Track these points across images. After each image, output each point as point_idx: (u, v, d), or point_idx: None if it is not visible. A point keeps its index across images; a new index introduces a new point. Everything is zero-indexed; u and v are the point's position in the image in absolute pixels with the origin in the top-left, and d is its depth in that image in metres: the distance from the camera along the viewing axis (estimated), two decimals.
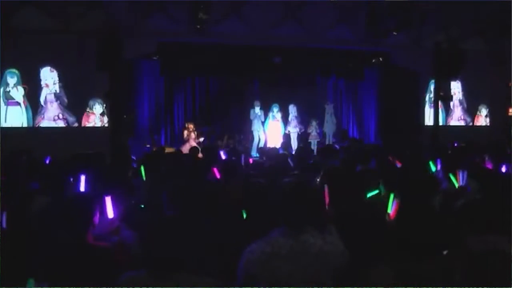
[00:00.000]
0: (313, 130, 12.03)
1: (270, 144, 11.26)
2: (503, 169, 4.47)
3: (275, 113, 11.73)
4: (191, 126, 11.19)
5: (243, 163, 5.47)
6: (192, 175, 4.13)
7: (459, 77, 11.35)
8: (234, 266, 2.07)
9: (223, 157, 6.12)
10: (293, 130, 11.77)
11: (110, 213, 2.60)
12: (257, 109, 11.49)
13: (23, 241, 2.60)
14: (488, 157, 4.86)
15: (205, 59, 11.56)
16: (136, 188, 3.74)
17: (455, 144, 8.31)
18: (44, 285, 1.83)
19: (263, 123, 11.62)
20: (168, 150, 8.87)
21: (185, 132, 11.17)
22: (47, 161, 6.48)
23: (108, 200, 2.57)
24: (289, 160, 5.58)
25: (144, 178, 3.91)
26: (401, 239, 2.23)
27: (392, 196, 2.32)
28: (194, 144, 10.15)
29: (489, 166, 4.76)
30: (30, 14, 9.32)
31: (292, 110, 11.79)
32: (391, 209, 2.34)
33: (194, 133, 11.09)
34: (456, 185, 3.68)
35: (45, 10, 9.43)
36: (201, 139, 11.32)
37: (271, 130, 11.69)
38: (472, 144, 7.35)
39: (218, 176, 4.32)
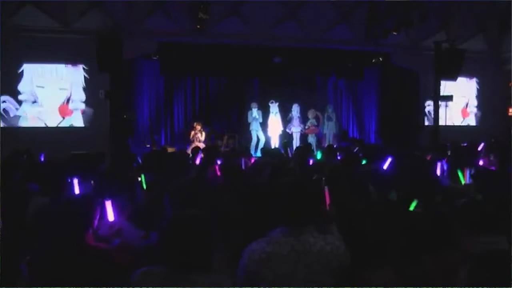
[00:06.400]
0: (309, 123, 11.93)
1: (272, 143, 11.27)
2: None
3: (274, 114, 11.74)
4: (198, 126, 11.13)
5: (243, 164, 5.46)
6: (194, 175, 4.12)
7: (459, 77, 11.34)
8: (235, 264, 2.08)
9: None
10: (296, 129, 11.77)
11: (111, 216, 2.58)
12: (255, 111, 11.47)
13: (21, 241, 2.60)
14: (493, 158, 4.86)
15: (205, 59, 11.56)
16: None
17: (464, 144, 8.29)
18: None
19: (261, 124, 11.61)
20: (169, 150, 8.84)
21: (192, 132, 11.12)
22: (42, 158, 6.48)
23: (108, 204, 2.55)
24: (289, 159, 5.58)
25: (145, 187, 3.73)
26: (402, 239, 2.23)
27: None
28: (200, 144, 10.13)
29: (492, 166, 4.76)
30: (30, 14, 9.32)
31: (295, 109, 11.79)
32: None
33: (201, 134, 11.04)
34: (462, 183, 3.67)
35: (45, 10, 9.42)
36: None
37: (272, 127, 11.70)
38: (474, 145, 7.35)
39: (218, 173, 4.30)
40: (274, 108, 11.82)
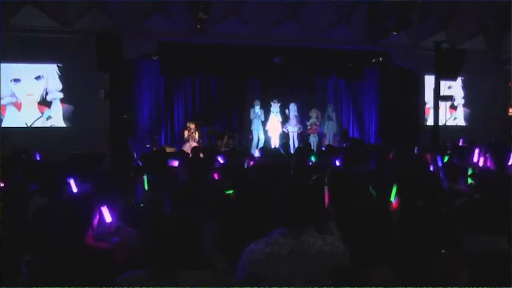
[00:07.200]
0: (310, 122, 11.90)
1: (271, 143, 11.27)
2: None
3: (275, 114, 11.75)
4: (192, 126, 11.15)
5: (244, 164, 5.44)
6: (194, 174, 4.12)
7: (459, 77, 11.34)
8: (234, 264, 2.07)
9: (221, 161, 6.00)
10: (293, 129, 11.76)
11: (108, 218, 2.62)
12: (257, 109, 11.49)
13: (21, 241, 2.61)
14: (490, 157, 4.86)
15: (205, 59, 11.57)
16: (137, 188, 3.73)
17: (460, 143, 8.28)
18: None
19: (263, 122, 11.62)
20: (169, 150, 8.85)
21: (186, 132, 11.14)
22: (37, 157, 6.47)
23: (104, 209, 2.58)
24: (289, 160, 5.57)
25: (147, 188, 3.84)
26: (402, 239, 2.23)
27: (395, 187, 2.28)
28: (194, 144, 10.14)
29: (491, 166, 4.76)
30: (30, 14, 9.31)
31: (292, 109, 11.78)
32: (394, 198, 2.30)
33: (195, 133, 11.06)
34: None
35: (45, 10, 9.42)
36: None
37: (272, 128, 11.69)
38: (473, 144, 7.34)
39: (216, 176, 4.30)
40: (275, 108, 11.82)
